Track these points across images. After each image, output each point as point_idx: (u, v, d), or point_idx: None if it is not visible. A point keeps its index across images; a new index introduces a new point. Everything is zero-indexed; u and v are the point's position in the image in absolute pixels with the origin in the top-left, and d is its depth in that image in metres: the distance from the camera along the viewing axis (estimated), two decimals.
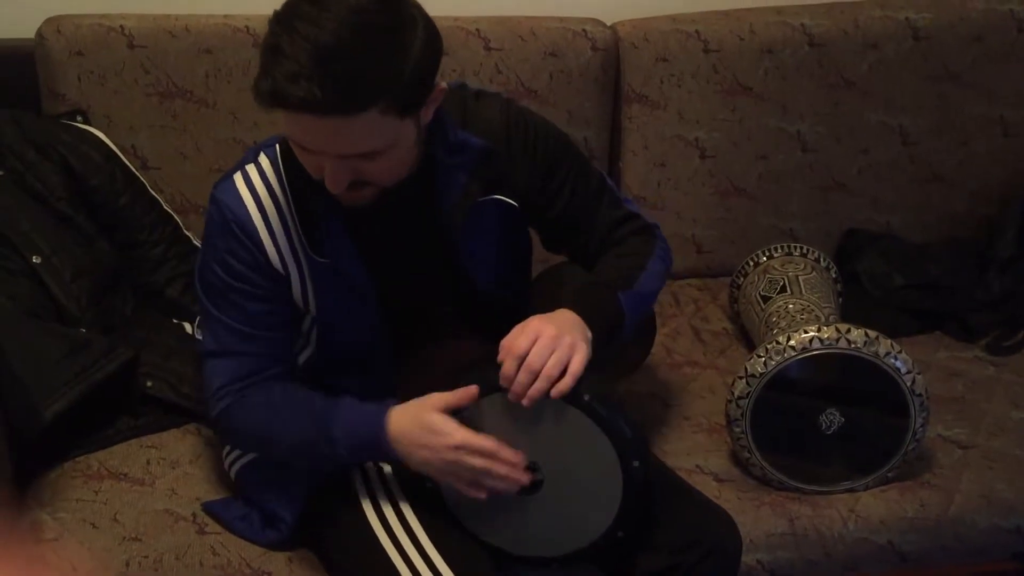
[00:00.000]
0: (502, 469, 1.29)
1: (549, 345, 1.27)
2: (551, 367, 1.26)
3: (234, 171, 1.39)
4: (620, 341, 1.43)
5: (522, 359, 1.27)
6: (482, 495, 1.31)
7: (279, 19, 1.19)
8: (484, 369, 1.30)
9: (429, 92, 1.26)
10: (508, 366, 1.27)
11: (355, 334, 1.44)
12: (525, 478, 1.30)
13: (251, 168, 1.38)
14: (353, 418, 1.35)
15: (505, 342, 1.30)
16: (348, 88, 1.16)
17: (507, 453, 1.29)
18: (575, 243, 1.52)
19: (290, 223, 1.36)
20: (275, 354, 1.42)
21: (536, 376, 1.26)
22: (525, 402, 1.27)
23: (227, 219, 1.36)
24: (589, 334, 1.33)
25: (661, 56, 2.05)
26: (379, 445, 1.33)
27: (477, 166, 1.40)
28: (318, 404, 1.38)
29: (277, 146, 1.38)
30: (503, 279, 1.50)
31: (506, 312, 1.38)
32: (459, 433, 1.29)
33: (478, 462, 1.29)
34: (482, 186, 1.41)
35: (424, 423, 1.30)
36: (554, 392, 1.26)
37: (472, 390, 1.30)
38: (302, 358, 1.47)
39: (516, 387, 1.27)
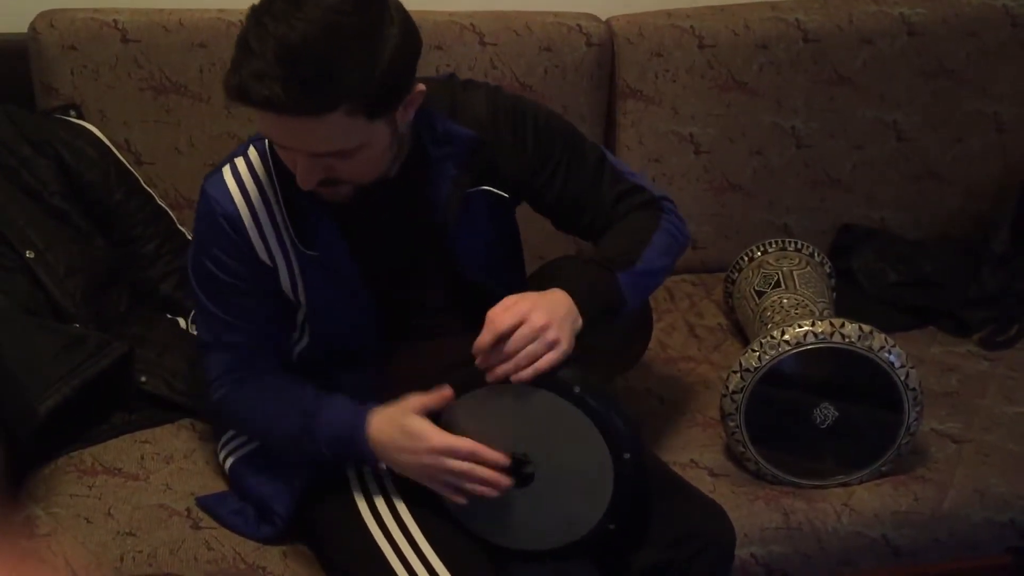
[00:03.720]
0: (484, 471, 1.28)
1: (529, 335, 1.26)
2: (522, 358, 1.26)
3: (223, 164, 1.38)
4: (622, 320, 1.42)
5: (502, 337, 1.26)
6: (462, 501, 1.30)
7: (254, 13, 1.18)
8: (471, 367, 1.30)
9: (403, 94, 1.25)
10: (485, 338, 1.26)
11: (346, 326, 1.44)
12: (506, 480, 1.30)
13: (240, 161, 1.37)
14: (334, 419, 1.35)
15: (491, 313, 1.28)
16: (310, 89, 1.15)
17: (488, 453, 1.28)
18: (581, 223, 1.50)
19: (278, 216, 1.36)
20: (267, 345, 1.43)
21: (508, 358, 1.26)
22: (489, 378, 1.26)
23: (215, 212, 1.35)
24: (579, 321, 1.32)
25: (656, 51, 2.05)
26: (359, 448, 1.33)
27: (466, 157, 1.39)
28: (306, 401, 1.38)
29: (267, 140, 1.37)
30: (494, 270, 1.50)
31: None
32: (437, 437, 1.28)
33: (458, 465, 1.28)
34: (472, 177, 1.41)
35: (403, 427, 1.30)
36: (513, 378, 1.26)
37: (447, 391, 1.29)
38: (297, 350, 1.47)
39: (485, 358, 1.26)
